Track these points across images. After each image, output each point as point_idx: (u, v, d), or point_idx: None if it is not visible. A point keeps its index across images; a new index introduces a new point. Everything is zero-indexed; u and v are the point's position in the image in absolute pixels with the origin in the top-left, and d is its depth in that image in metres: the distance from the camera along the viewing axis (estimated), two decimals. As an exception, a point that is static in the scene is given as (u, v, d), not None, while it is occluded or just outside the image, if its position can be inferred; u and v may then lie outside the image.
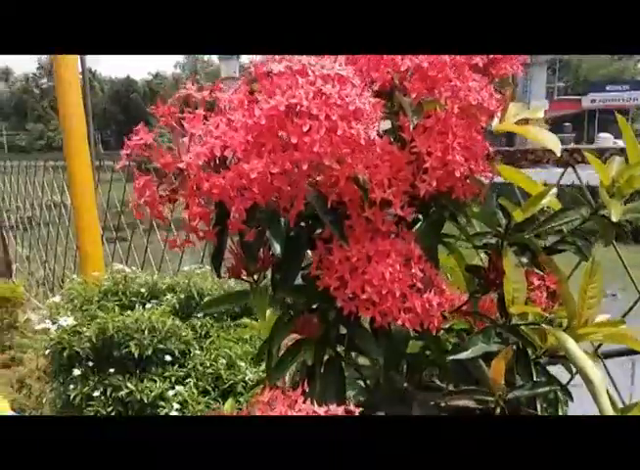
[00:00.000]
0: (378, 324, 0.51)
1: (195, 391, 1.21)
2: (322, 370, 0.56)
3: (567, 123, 19.02)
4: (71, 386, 1.25)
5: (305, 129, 0.38)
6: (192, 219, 0.38)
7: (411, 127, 0.46)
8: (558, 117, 19.09)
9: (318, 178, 0.46)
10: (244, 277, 0.51)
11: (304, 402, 0.45)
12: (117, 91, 28.45)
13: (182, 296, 1.44)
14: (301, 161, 0.39)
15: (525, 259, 0.54)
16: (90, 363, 1.26)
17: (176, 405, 1.16)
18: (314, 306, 0.56)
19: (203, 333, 1.36)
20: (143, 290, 1.47)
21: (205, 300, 0.52)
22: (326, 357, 0.57)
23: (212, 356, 1.28)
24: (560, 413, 0.48)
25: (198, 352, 1.30)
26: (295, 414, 0.44)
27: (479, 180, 0.51)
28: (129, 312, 1.38)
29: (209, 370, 1.25)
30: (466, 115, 0.50)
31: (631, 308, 1.00)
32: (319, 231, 0.53)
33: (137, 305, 1.43)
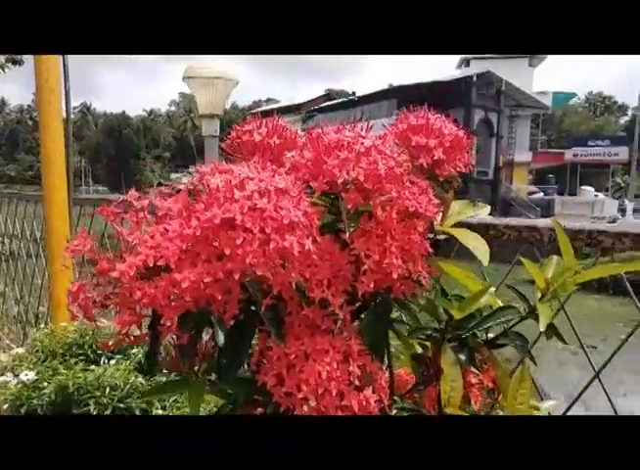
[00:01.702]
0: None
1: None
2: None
3: (550, 175, 19.54)
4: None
5: (239, 242, 0.40)
6: (121, 327, 0.39)
7: (347, 234, 0.48)
8: (541, 169, 19.64)
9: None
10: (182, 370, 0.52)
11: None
12: (111, 126, 28.80)
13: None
14: (234, 271, 0.40)
15: (463, 357, 0.55)
16: (47, 421, 1.23)
17: None
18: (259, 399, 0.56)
19: (166, 391, 1.33)
20: (110, 342, 1.45)
21: (146, 390, 0.52)
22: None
23: (176, 415, 1.25)
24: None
25: (160, 411, 1.28)
26: None
27: (417, 280, 0.53)
28: (93, 367, 1.35)
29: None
30: (405, 217, 0.53)
31: (590, 383, 1.01)
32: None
33: (103, 359, 1.41)
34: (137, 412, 1.25)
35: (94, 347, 1.44)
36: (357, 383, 0.51)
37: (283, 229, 0.42)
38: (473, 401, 0.55)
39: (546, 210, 16.02)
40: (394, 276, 0.51)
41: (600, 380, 1.00)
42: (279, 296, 0.50)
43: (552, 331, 0.52)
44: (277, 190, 0.43)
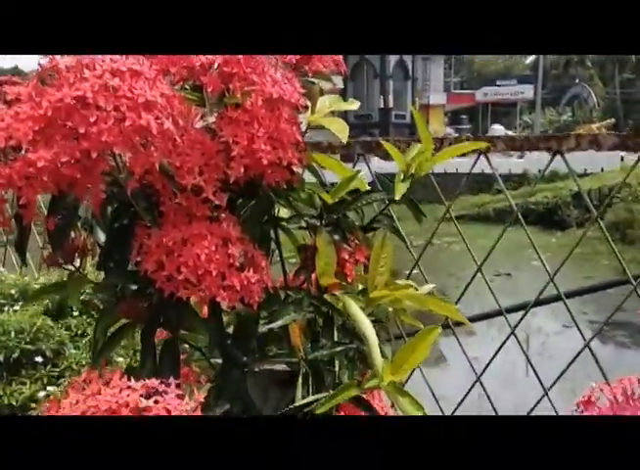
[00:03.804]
0: (199, 302, 0.54)
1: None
2: (159, 351, 0.59)
3: (463, 116, 20.28)
4: None
5: (92, 120, 0.41)
6: (-22, 209, 0.39)
7: (210, 119, 0.50)
8: (455, 111, 20.31)
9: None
10: (63, 265, 0.52)
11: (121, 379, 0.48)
12: None
13: (56, 296, 1.39)
14: (91, 149, 0.41)
15: (337, 237, 0.60)
16: (-49, 371, 1.19)
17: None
18: (146, 291, 0.58)
19: (79, 332, 1.32)
20: (13, 291, 1.40)
21: (32, 291, 0.52)
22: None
23: (89, 354, 1.25)
24: (355, 370, 0.54)
25: (73, 351, 1.27)
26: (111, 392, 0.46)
27: (287, 167, 0.56)
28: (-3, 315, 1.31)
29: (86, 368, 1.22)
30: (272, 107, 0.55)
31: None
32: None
33: (6, 308, 1.36)
34: (48, 353, 1.24)
35: (-5, 296, 1.39)
36: (237, 264, 0.54)
37: (138, 108, 0.43)
38: (347, 274, 0.60)
39: (460, 149, 16.70)
40: (264, 162, 0.53)
41: (512, 328, 1.05)
42: (152, 186, 0.52)
43: (408, 203, 0.58)
44: (131, 71, 0.44)
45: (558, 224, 9.05)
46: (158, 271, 0.52)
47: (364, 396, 0.55)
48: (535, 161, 9.86)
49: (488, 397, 1.05)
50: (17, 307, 1.32)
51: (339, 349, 0.52)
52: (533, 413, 0.99)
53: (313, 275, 0.66)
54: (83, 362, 1.25)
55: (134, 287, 0.58)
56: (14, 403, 1.15)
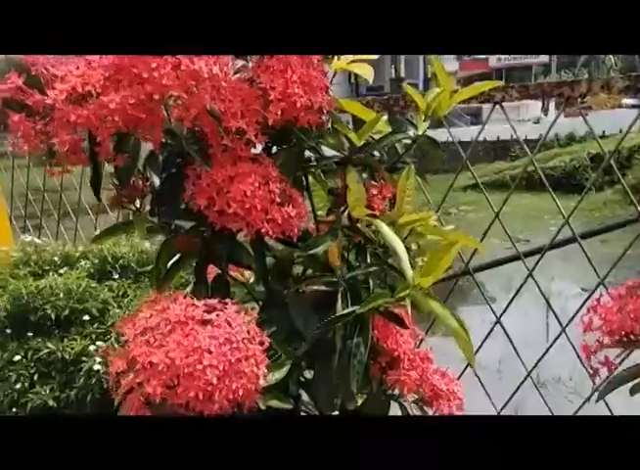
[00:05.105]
0: (246, 234, 0.61)
1: (116, 345, 1.28)
2: (210, 286, 0.67)
3: (477, 83, 19.83)
4: (-9, 355, 1.27)
5: (154, 66, 0.47)
6: (62, 146, 0.46)
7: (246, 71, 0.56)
8: (468, 78, 19.90)
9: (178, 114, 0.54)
10: (125, 205, 0.59)
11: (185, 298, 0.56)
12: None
13: (96, 261, 1.48)
14: (153, 92, 0.48)
15: (365, 175, 0.66)
16: (8, 330, 1.29)
17: (98, 359, 1.22)
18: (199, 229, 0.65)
19: (120, 293, 1.41)
20: (56, 258, 1.49)
21: (95, 234, 0.59)
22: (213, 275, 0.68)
23: (131, 313, 1.34)
24: (385, 287, 0.61)
25: (117, 310, 1.36)
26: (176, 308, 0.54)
27: (319, 110, 0.61)
28: (43, 280, 1.40)
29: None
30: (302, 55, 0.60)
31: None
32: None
33: (51, 274, 1.45)
34: (94, 312, 1.33)
35: (40, 263, 1.48)
36: (278, 200, 0.61)
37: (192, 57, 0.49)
38: (376, 208, 0.66)
39: (475, 117, 16.47)
40: (298, 105, 0.59)
41: (529, 271, 1.10)
42: (201, 132, 0.59)
43: (429, 142, 0.64)
44: (182, 23, 0.50)
45: (576, 188, 8.94)
46: (209, 207, 0.59)
47: (396, 311, 0.61)
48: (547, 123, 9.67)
49: (514, 347, 1.11)
50: (61, 271, 1.42)
51: (372, 269, 0.59)
52: (554, 353, 1.05)
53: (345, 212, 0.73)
54: (126, 319, 1.34)
55: (186, 225, 0.65)
56: (67, 357, 1.25)
